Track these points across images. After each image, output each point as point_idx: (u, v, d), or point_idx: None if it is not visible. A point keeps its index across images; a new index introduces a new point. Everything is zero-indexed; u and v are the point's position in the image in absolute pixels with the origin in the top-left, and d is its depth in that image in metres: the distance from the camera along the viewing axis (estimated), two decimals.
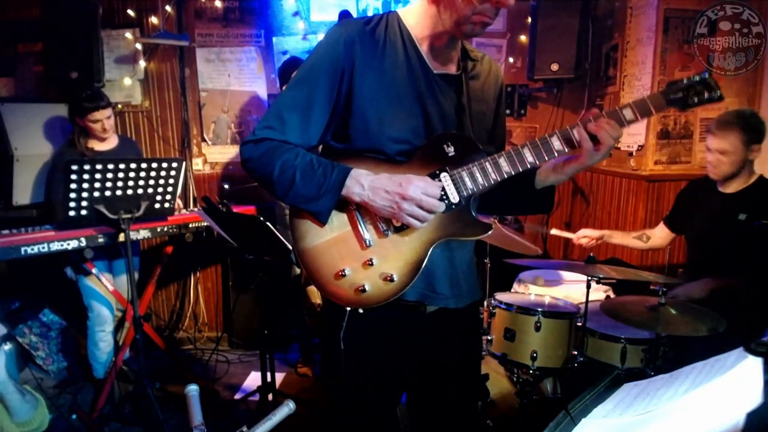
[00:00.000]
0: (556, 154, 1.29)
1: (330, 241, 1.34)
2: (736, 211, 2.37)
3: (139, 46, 3.82)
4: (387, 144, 1.33)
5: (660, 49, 3.15)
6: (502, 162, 1.30)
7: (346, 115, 1.35)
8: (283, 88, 3.33)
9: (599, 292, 2.85)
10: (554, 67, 3.59)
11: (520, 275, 3.05)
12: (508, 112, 4.06)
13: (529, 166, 1.30)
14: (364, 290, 1.31)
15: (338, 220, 1.34)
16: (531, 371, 2.33)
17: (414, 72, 1.35)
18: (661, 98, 1.27)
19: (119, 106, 3.85)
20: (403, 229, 1.32)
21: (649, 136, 3.28)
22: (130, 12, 3.77)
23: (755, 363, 0.81)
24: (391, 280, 1.31)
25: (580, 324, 2.36)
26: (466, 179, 1.31)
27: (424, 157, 1.33)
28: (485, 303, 2.58)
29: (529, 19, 3.80)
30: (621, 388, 0.96)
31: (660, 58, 3.16)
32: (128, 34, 3.80)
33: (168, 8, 3.77)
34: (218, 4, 3.85)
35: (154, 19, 3.78)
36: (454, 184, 1.31)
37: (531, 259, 2.75)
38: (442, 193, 1.30)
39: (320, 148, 1.45)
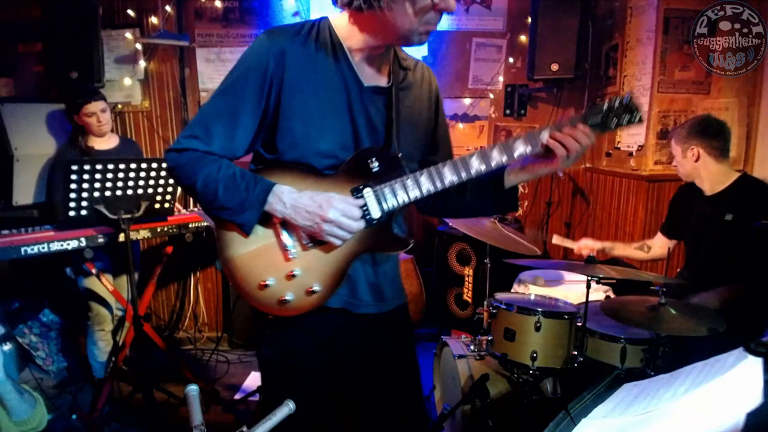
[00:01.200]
0: (473, 174, 1.31)
1: (254, 251, 1.35)
2: (722, 213, 2.38)
3: (139, 46, 3.82)
4: (314, 158, 1.33)
5: (660, 49, 3.15)
6: (423, 180, 1.32)
7: (273, 127, 1.33)
8: None
9: (599, 292, 2.85)
10: (554, 67, 3.59)
11: (520, 275, 3.05)
12: (508, 112, 4.07)
13: (447, 185, 1.32)
14: (286, 301, 1.33)
15: (263, 230, 1.34)
16: (531, 371, 2.33)
17: (345, 84, 1.33)
18: (579, 121, 1.29)
19: (119, 106, 3.86)
20: (325, 242, 1.32)
21: (649, 136, 3.28)
22: (130, 12, 3.77)
23: (755, 363, 0.81)
24: (314, 292, 1.33)
25: (580, 324, 2.36)
26: (388, 195, 1.32)
27: (349, 171, 1.33)
28: (485, 303, 2.58)
29: (529, 19, 3.80)
30: (621, 388, 0.96)
31: (660, 58, 3.16)
32: (128, 34, 3.80)
33: (168, 8, 3.77)
34: (218, 4, 3.85)
35: (154, 19, 3.78)
36: (377, 200, 1.32)
37: (531, 259, 2.74)
38: (365, 208, 1.31)
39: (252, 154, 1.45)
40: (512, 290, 2.94)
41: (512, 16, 3.94)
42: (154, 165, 2.76)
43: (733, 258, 2.37)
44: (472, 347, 2.64)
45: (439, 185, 1.32)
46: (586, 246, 2.75)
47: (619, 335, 2.28)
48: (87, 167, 2.56)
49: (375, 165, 1.33)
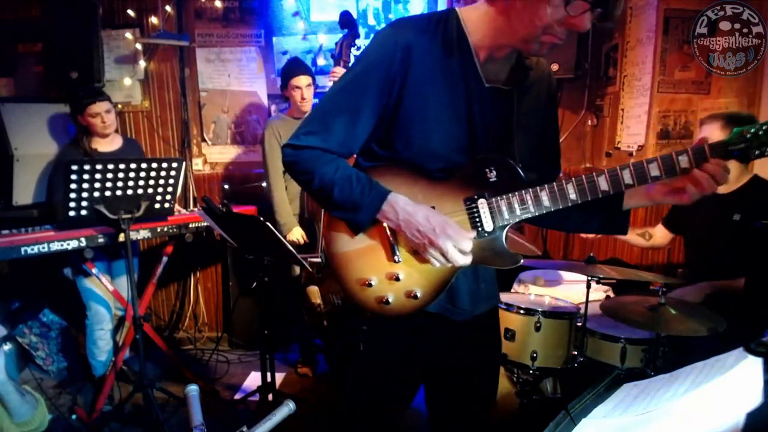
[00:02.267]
0: (600, 195, 1.21)
1: (360, 249, 1.34)
2: (731, 212, 2.38)
3: (139, 46, 3.82)
4: (428, 159, 1.29)
5: (660, 49, 3.15)
6: (544, 197, 1.24)
7: (391, 124, 1.29)
8: (285, 92, 3.33)
9: (599, 292, 2.85)
10: (554, 67, 3.59)
11: (520, 275, 3.05)
12: None
13: (570, 204, 1.23)
14: (387, 302, 1.32)
15: (371, 230, 1.33)
16: (531, 371, 2.33)
17: (466, 84, 1.27)
18: (723, 148, 1.15)
19: (119, 106, 3.85)
20: None
21: (649, 136, 3.28)
22: (130, 12, 3.77)
23: (755, 363, 0.81)
24: (415, 297, 1.31)
25: (580, 324, 2.36)
26: (504, 209, 1.26)
27: (464, 178, 1.28)
28: None
29: None
30: (621, 388, 0.96)
31: (660, 58, 3.16)
32: (128, 34, 3.80)
33: (168, 8, 3.77)
34: (218, 4, 3.85)
35: (154, 19, 3.78)
36: (491, 213, 1.27)
37: (531, 259, 2.74)
38: (477, 220, 1.27)
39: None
40: (512, 290, 2.95)
41: None
42: (154, 165, 2.76)
43: (736, 258, 2.37)
44: None
45: (561, 204, 1.24)
46: None
47: (619, 335, 2.28)
48: (87, 167, 2.56)
49: (493, 175, 1.27)
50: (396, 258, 1.31)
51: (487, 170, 1.27)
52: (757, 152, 1.14)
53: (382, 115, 1.29)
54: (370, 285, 1.33)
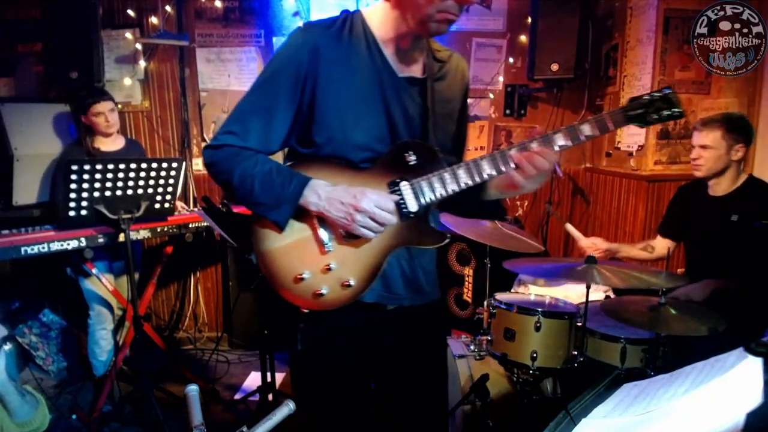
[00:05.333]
0: (512, 166, 1.29)
1: (290, 244, 1.35)
2: (728, 213, 2.38)
3: (139, 46, 3.82)
4: (351, 151, 1.34)
5: (660, 49, 3.15)
6: (461, 173, 1.30)
7: (309, 122, 1.34)
8: None
9: (599, 292, 2.85)
10: (554, 67, 3.59)
11: (520, 275, 3.05)
12: (508, 112, 4.07)
13: (487, 178, 1.31)
14: (321, 294, 1.33)
15: (299, 223, 1.35)
16: (531, 371, 2.33)
17: (379, 76, 1.34)
18: (621, 114, 1.27)
19: (119, 106, 3.84)
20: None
21: (649, 136, 3.28)
22: (130, 12, 3.77)
23: (755, 363, 0.81)
24: (349, 285, 1.33)
25: (580, 324, 2.36)
26: (425, 189, 1.32)
27: (386, 165, 1.33)
28: (485, 303, 2.58)
29: (529, 19, 3.80)
30: (621, 388, 0.96)
31: (660, 58, 3.16)
32: (128, 34, 3.80)
33: (168, 8, 3.77)
34: (218, 4, 3.85)
35: (154, 19, 3.78)
36: (414, 194, 1.32)
37: (531, 261, 2.73)
38: (401, 202, 1.31)
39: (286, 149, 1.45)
40: (512, 290, 2.94)
41: (512, 16, 3.93)
42: (154, 165, 2.76)
43: (735, 258, 2.37)
44: (472, 347, 2.64)
45: (477, 179, 1.30)
46: (593, 243, 2.74)
47: (619, 335, 2.28)
48: (87, 167, 2.56)
49: (412, 158, 1.32)
50: (326, 247, 1.33)
51: (406, 154, 1.32)
52: (654, 116, 1.26)
53: (297, 113, 1.34)
54: (303, 279, 1.33)
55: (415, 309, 1.46)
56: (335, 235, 1.34)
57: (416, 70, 1.40)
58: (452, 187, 1.31)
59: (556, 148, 1.27)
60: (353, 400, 1.48)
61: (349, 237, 1.33)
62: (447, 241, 1.35)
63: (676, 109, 1.26)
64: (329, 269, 1.33)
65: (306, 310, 1.38)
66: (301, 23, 3.85)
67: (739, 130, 2.36)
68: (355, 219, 1.26)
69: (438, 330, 1.63)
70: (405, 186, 1.32)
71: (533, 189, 1.33)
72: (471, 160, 1.31)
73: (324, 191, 1.28)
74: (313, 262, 1.34)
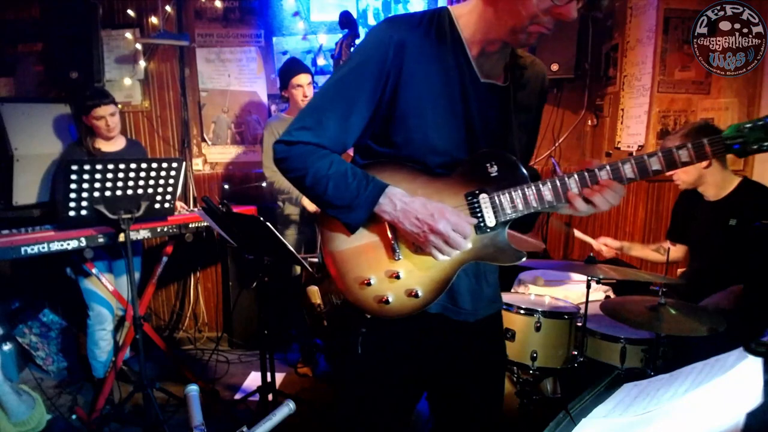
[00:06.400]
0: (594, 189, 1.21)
1: (359, 247, 1.31)
2: (726, 218, 2.38)
3: (139, 46, 3.82)
4: (427, 155, 1.28)
5: (660, 49, 3.15)
6: (546, 192, 1.23)
7: (387, 121, 1.28)
8: (284, 93, 3.32)
9: (599, 292, 2.85)
10: (554, 67, 3.59)
11: (520, 275, 3.05)
12: None
13: (570, 199, 1.22)
14: (387, 302, 1.29)
15: (371, 228, 1.30)
16: (531, 371, 2.33)
17: (461, 80, 1.27)
18: (721, 143, 1.17)
19: (119, 106, 3.85)
20: None
21: (649, 137, 3.28)
22: (130, 12, 3.77)
23: (755, 363, 0.81)
24: (416, 296, 1.28)
25: (580, 324, 2.36)
26: (506, 204, 1.25)
27: (465, 173, 1.27)
28: None
29: None
30: (621, 388, 0.96)
31: (660, 58, 3.16)
32: (128, 34, 3.80)
33: (168, 8, 3.77)
34: (218, 4, 3.85)
35: (154, 19, 3.78)
36: (492, 207, 1.26)
37: (531, 260, 2.74)
38: (479, 215, 1.26)
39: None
40: (512, 290, 2.94)
41: None
42: (154, 165, 2.76)
43: (736, 261, 2.37)
44: None
45: (563, 200, 1.22)
46: (605, 243, 2.74)
47: (619, 335, 2.28)
48: (87, 167, 2.56)
49: (494, 170, 1.25)
50: (396, 255, 1.29)
51: (488, 165, 1.26)
52: (755, 147, 1.15)
53: (376, 110, 1.28)
54: (369, 284, 1.30)
55: (477, 322, 1.42)
56: (407, 244, 1.29)
57: (499, 77, 1.34)
58: (534, 205, 1.24)
59: (652, 170, 1.19)
60: (402, 410, 1.45)
61: (421, 248, 1.28)
62: (524, 259, 1.27)
63: None
64: (397, 277, 1.29)
65: (369, 316, 1.34)
66: (300, 24, 3.88)
67: (694, 138, 2.36)
68: (428, 238, 1.21)
69: (498, 342, 1.58)
70: (484, 198, 1.26)
71: (585, 214, 1.25)
72: (557, 178, 1.22)
73: (400, 202, 1.23)
74: (381, 269, 1.30)
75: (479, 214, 1.26)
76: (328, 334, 2.98)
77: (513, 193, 1.25)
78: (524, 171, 1.26)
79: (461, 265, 1.28)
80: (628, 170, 1.19)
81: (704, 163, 2.37)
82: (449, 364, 1.43)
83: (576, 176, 1.21)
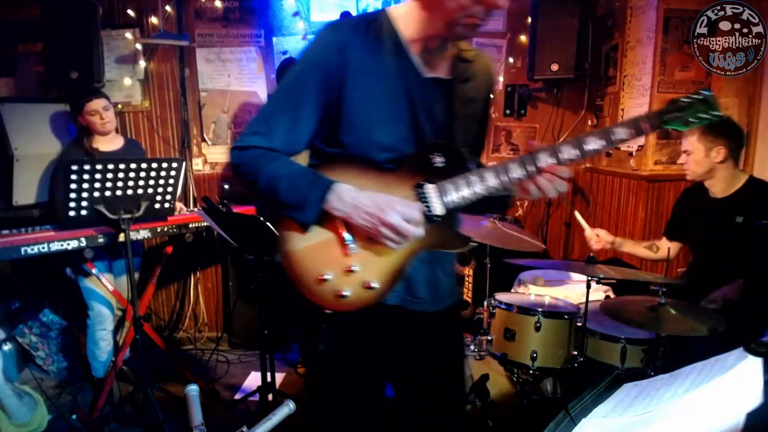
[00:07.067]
0: (543, 168, 1.26)
1: (314, 245, 1.34)
2: (732, 215, 2.38)
3: (139, 46, 3.81)
4: (375, 151, 1.33)
5: (660, 49, 3.15)
6: (488, 176, 1.29)
7: (334, 121, 1.33)
8: None
9: (599, 292, 2.85)
10: (554, 67, 3.59)
11: (520, 275, 3.05)
12: (508, 112, 4.06)
13: (512, 182, 1.28)
14: (344, 296, 1.32)
15: (324, 225, 1.34)
16: (531, 371, 2.33)
17: (404, 77, 1.33)
18: (658, 117, 1.25)
19: (119, 106, 3.85)
20: None
21: (649, 137, 3.28)
22: (130, 12, 3.77)
23: (755, 363, 0.81)
24: (371, 288, 1.32)
25: (580, 324, 2.36)
26: (451, 192, 1.30)
27: (412, 166, 1.33)
28: (485, 303, 2.58)
29: (529, 19, 3.80)
30: (621, 388, 0.96)
31: (660, 58, 3.16)
32: (128, 34, 3.80)
33: (168, 8, 3.77)
34: (218, 4, 3.85)
35: (154, 19, 3.78)
36: (439, 196, 1.31)
37: (531, 259, 2.74)
38: (426, 205, 1.30)
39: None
40: (512, 290, 2.95)
41: (512, 16, 3.93)
42: (154, 165, 2.76)
43: (737, 260, 2.37)
44: (472, 347, 2.64)
45: (505, 181, 1.28)
46: (597, 234, 2.73)
47: (619, 335, 2.28)
48: (87, 167, 2.56)
49: (439, 160, 1.31)
50: (350, 249, 1.32)
51: (432, 156, 1.31)
52: (692, 120, 1.25)
53: (324, 113, 1.33)
54: (325, 280, 1.33)
55: (437, 313, 1.46)
56: (359, 238, 1.32)
57: (442, 71, 1.39)
58: (479, 190, 1.30)
59: (589, 149, 1.25)
60: (370, 401, 1.48)
61: (373, 240, 1.32)
62: (473, 245, 1.34)
63: (716, 113, 1.25)
64: (352, 271, 1.32)
65: (329, 311, 1.37)
66: (301, 24, 3.88)
67: (715, 132, 2.37)
68: (380, 231, 1.25)
69: (457, 333, 1.63)
70: (431, 188, 1.31)
71: (536, 197, 1.30)
72: (500, 164, 1.29)
73: (349, 196, 1.27)
74: (336, 264, 1.33)
75: (427, 204, 1.31)
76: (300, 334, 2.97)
77: (458, 181, 1.30)
78: (467, 158, 1.32)
79: (414, 255, 1.33)
80: (566, 151, 1.25)
81: (719, 157, 2.37)
82: (410, 354, 1.48)
83: (518, 160, 1.27)
